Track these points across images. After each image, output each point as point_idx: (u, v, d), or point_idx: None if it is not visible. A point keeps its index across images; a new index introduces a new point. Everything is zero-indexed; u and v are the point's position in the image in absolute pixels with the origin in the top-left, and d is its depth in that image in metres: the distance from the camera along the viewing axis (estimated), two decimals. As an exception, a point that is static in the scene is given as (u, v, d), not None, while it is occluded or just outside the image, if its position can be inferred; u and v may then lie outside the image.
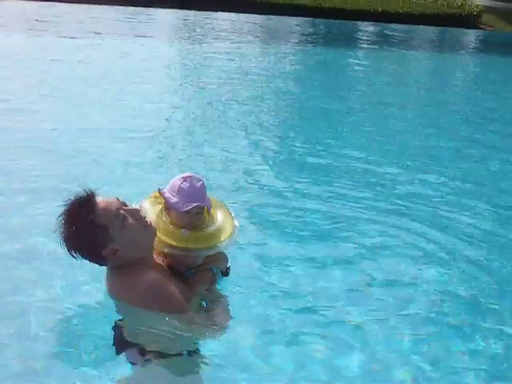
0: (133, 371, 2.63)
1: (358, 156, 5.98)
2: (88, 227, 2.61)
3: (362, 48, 15.18)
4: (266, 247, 3.86)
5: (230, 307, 2.91)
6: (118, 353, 2.67)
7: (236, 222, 3.06)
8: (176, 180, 2.92)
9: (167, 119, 6.96)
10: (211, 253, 2.95)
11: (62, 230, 2.65)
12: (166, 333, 2.72)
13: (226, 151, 5.83)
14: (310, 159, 5.85)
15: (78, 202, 2.64)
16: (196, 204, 2.86)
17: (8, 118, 6.22)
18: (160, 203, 3.01)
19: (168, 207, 2.93)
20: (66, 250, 2.68)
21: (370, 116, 8.08)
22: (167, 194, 2.90)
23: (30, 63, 9.23)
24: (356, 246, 3.96)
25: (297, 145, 6.33)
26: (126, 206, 2.73)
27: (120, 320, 2.78)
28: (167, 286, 2.67)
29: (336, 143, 6.53)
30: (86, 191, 2.65)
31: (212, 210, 3.01)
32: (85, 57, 9.94)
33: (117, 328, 2.75)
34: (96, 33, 12.30)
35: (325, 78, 11.00)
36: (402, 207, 4.71)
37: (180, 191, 2.87)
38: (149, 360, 2.61)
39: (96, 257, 2.71)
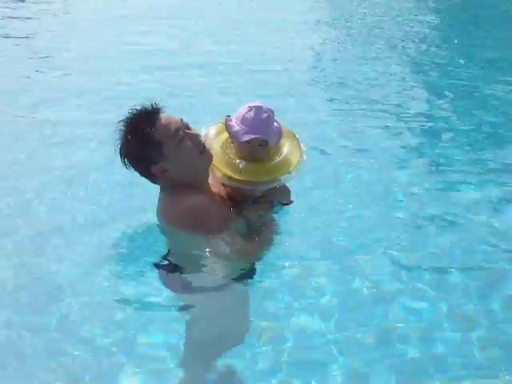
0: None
1: None
2: (142, 139, 2.57)
3: None
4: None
5: (274, 236, 2.80)
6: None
7: (304, 157, 2.86)
8: (243, 108, 2.76)
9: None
10: (264, 188, 2.80)
11: (119, 137, 2.63)
12: (207, 258, 2.69)
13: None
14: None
15: (140, 113, 2.61)
16: (255, 136, 2.68)
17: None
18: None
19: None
20: (120, 158, 2.65)
21: None
22: (231, 122, 2.75)
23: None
24: None
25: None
26: (188, 128, 2.66)
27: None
28: (207, 209, 2.59)
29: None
30: (152, 105, 2.62)
31: (282, 142, 2.83)
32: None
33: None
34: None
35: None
36: None
37: (243, 121, 2.72)
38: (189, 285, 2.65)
39: (145, 171, 2.67)
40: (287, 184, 2.91)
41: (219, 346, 2.64)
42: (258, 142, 2.72)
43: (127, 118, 2.63)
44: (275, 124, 2.78)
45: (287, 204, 2.96)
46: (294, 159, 2.81)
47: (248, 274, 2.71)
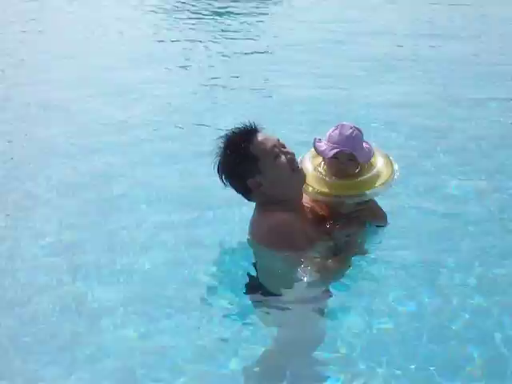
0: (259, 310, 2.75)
1: None
2: (240, 153, 2.76)
3: None
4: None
5: (349, 261, 2.82)
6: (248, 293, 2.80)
7: (396, 175, 2.93)
8: (330, 129, 2.92)
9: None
10: (353, 201, 2.89)
11: (219, 153, 2.82)
12: (288, 275, 2.75)
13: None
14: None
15: (240, 130, 2.82)
16: (339, 149, 2.81)
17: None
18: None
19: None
20: (218, 174, 2.84)
21: None
22: (319, 143, 2.91)
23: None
24: None
25: None
26: (284, 147, 2.83)
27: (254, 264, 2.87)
28: (291, 226, 2.73)
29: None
30: (250, 123, 2.82)
31: (373, 159, 2.95)
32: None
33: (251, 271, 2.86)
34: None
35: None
36: None
37: (329, 138, 2.88)
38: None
39: (241, 186, 2.83)
40: (380, 203, 2.96)
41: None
42: (346, 156, 2.84)
43: (226, 135, 2.83)
44: (365, 144, 2.90)
45: (382, 226, 3.00)
46: (384, 176, 2.90)
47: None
